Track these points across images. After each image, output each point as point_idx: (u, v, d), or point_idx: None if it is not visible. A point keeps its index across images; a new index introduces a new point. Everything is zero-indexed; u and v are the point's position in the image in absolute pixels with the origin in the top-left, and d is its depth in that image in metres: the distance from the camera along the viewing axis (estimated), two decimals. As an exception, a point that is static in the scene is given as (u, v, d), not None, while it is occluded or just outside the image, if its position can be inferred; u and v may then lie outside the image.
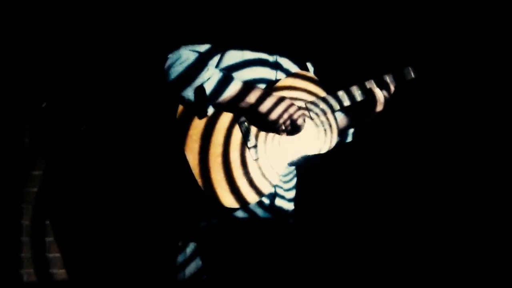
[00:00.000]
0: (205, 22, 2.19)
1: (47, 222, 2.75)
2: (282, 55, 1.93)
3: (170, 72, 1.70)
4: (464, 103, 2.49)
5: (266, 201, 1.83)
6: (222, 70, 1.78)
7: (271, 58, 1.90)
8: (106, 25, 2.75)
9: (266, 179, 1.78)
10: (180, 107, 1.73)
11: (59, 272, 2.75)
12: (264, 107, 1.77)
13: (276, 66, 1.90)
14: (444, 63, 2.07)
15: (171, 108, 1.74)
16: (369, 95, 1.92)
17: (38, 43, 2.74)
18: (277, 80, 1.87)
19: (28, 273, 2.69)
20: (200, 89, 1.70)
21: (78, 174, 2.78)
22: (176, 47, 1.76)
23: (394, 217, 2.63)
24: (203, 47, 1.79)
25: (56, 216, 2.77)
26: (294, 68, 1.95)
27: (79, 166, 2.79)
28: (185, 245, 1.83)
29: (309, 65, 2.03)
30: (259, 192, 1.76)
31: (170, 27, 2.63)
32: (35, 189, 2.76)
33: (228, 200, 1.71)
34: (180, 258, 1.82)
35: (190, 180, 1.69)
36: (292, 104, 1.80)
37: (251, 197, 1.75)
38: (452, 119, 2.54)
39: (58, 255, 2.76)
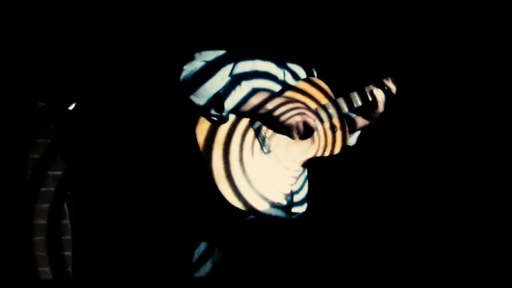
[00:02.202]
0: (216, 28, 2.21)
1: (62, 222, 2.79)
2: (289, 63, 2.01)
3: (186, 84, 1.76)
4: (463, 105, 2.54)
5: (283, 202, 1.89)
6: (235, 77, 1.83)
7: (279, 73, 1.96)
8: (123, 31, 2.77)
9: (282, 183, 1.85)
10: (201, 119, 1.78)
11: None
12: (279, 111, 1.83)
13: (283, 81, 1.97)
14: (441, 66, 2.12)
15: (189, 115, 1.78)
16: (372, 98, 2.01)
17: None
18: (284, 90, 1.94)
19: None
20: (217, 98, 1.75)
21: (95, 175, 2.82)
22: (190, 56, 1.81)
23: (398, 217, 2.69)
24: (216, 55, 1.84)
25: (69, 215, 2.80)
26: (301, 74, 2.02)
27: (97, 166, 2.82)
28: (198, 246, 1.89)
29: (313, 70, 2.11)
30: (275, 196, 1.82)
31: (182, 33, 2.65)
32: (51, 189, 2.80)
33: (245, 204, 1.77)
34: (195, 258, 1.88)
35: (207, 183, 1.74)
36: (305, 108, 1.88)
37: (268, 202, 1.81)
38: (451, 121, 2.59)
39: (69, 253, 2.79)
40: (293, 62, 2.03)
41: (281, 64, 1.98)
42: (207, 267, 1.87)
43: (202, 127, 1.78)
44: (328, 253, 2.61)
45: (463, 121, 2.57)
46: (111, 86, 2.85)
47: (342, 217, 2.75)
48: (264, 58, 1.92)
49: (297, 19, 2.09)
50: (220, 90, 1.76)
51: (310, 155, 1.92)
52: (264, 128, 1.86)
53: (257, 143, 1.84)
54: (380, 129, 2.24)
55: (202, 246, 1.89)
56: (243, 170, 1.78)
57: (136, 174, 2.79)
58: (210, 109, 1.76)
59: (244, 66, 1.88)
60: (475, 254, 2.46)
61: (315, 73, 2.12)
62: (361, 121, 2.10)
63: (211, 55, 1.83)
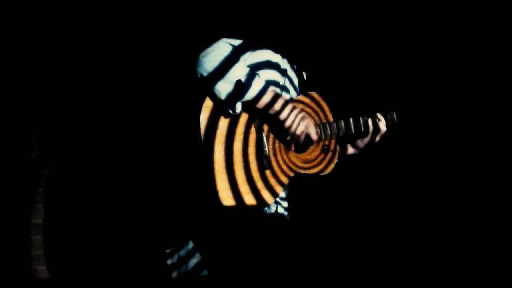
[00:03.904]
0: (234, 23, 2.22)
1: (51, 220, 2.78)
2: (289, 62, 2.02)
3: (205, 61, 1.72)
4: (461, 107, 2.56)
5: (272, 206, 1.92)
6: (252, 69, 1.81)
7: (282, 66, 1.97)
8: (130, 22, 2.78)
9: (271, 189, 1.85)
10: (205, 106, 1.75)
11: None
12: (284, 114, 1.83)
13: (285, 73, 1.98)
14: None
15: (195, 106, 1.76)
16: (365, 128, 2.03)
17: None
18: (284, 86, 1.95)
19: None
20: (237, 85, 1.73)
21: (85, 172, 2.82)
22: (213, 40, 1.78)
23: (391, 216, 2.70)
24: (238, 42, 1.82)
25: (60, 213, 2.81)
26: (295, 80, 2.06)
27: (87, 163, 2.82)
28: (184, 244, 1.89)
29: (304, 74, 2.13)
30: (263, 200, 1.83)
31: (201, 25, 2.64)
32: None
33: (240, 201, 1.77)
34: (179, 256, 1.89)
35: (205, 180, 1.73)
36: (308, 118, 1.89)
37: (257, 204, 1.81)
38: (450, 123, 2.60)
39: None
40: (292, 61, 2.05)
41: (284, 60, 1.98)
42: (191, 265, 1.88)
43: (205, 117, 1.75)
44: (325, 254, 2.60)
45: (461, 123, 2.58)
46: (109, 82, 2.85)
47: (338, 217, 2.75)
48: (274, 50, 1.93)
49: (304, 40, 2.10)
50: (242, 78, 1.73)
51: (299, 169, 1.93)
52: (265, 129, 1.86)
53: (257, 142, 1.83)
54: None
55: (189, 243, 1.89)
56: (242, 166, 1.78)
57: (134, 166, 2.78)
58: (230, 98, 1.73)
59: (259, 56, 1.88)
60: (475, 254, 2.45)
61: (304, 75, 2.14)
62: (349, 150, 2.12)
63: (235, 40, 1.81)
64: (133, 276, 2.74)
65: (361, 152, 2.10)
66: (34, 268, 2.72)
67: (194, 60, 1.73)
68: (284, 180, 1.88)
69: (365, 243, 2.70)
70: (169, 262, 1.89)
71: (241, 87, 1.73)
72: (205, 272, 1.85)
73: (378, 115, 2.05)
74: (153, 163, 2.65)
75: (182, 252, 1.89)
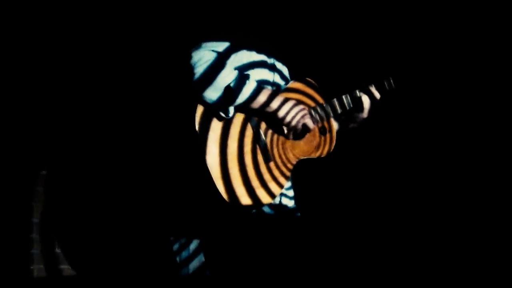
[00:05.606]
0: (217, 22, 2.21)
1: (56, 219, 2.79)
2: (277, 58, 2.05)
3: (194, 72, 1.70)
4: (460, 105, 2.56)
5: (275, 201, 1.91)
6: (241, 70, 1.83)
7: (269, 61, 2.00)
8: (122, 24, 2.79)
9: (277, 181, 1.86)
10: (199, 110, 1.75)
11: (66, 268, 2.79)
12: (279, 109, 1.85)
13: (273, 68, 2.00)
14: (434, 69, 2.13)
15: (190, 110, 1.76)
16: (358, 103, 2.04)
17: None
18: (274, 82, 1.96)
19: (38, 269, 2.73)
20: (227, 91, 1.73)
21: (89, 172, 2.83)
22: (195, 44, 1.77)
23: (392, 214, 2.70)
24: (222, 46, 1.81)
25: (64, 213, 2.82)
26: (285, 71, 2.07)
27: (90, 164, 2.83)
28: (189, 242, 1.90)
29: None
30: (271, 193, 1.84)
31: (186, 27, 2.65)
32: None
33: (243, 200, 1.77)
34: (184, 254, 1.89)
35: (205, 181, 1.73)
36: (303, 108, 1.91)
37: (265, 198, 1.83)
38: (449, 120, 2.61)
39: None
40: (278, 57, 2.07)
41: (271, 55, 2.01)
42: (195, 263, 1.89)
43: (200, 121, 1.76)
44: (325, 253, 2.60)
45: (461, 121, 2.57)
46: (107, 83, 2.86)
47: (338, 216, 2.75)
48: (258, 50, 1.95)
49: (291, 20, 2.10)
50: (230, 83, 1.74)
51: (301, 155, 1.95)
52: (262, 125, 1.87)
53: (254, 140, 1.84)
54: (378, 129, 2.25)
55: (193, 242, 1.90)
56: (241, 167, 1.79)
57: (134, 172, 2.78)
58: (221, 104, 1.74)
59: (244, 57, 1.89)
60: (475, 254, 2.44)
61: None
62: (348, 125, 2.15)
63: (218, 45, 1.80)
64: (133, 276, 2.75)
65: (360, 124, 2.11)
66: (33, 267, 2.73)
67: (186, 72, 1.72)
68: (288, 170, 1.90)
69: (370, 236, 2.71)
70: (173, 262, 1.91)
71: (231, 93, 1.73)
72: (210, 271, 1.86)
73: (370, 87, 2.05)
74: (150, 165, 2.67)
75: (185, 252, 1.90)
